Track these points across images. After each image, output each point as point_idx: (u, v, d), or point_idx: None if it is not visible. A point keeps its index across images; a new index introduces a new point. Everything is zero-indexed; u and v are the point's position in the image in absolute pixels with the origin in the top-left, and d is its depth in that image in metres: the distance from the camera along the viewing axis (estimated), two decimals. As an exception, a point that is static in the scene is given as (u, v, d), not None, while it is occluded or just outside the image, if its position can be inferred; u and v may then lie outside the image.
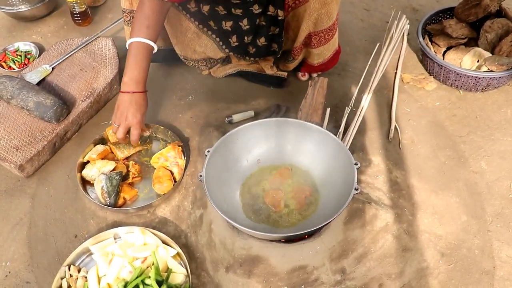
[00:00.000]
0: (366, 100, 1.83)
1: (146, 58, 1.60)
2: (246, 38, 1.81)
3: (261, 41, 1.81)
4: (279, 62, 1.97)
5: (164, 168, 1.68)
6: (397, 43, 2.03)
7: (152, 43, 1.58)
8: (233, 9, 1.70)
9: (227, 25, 1.77)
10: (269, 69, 1.95)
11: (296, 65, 1.95)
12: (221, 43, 1.87)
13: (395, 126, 1.83)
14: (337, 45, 1.91)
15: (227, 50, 1.90)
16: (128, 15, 1.80)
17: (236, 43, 1.84)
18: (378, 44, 2.00)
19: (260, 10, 1.70)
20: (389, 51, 1.97)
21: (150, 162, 1.73)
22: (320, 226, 1.38)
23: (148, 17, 1.56)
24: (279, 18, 1.70)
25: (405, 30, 2.10)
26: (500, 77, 1.86)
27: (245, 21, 1.74)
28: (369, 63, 1.91)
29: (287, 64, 1.94)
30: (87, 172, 1.67)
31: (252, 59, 1.94)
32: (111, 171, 1.65)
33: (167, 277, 1.37)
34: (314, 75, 2.02)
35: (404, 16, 2.05)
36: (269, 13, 1.71)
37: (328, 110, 1.79)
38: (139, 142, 1.69)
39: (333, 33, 1.80)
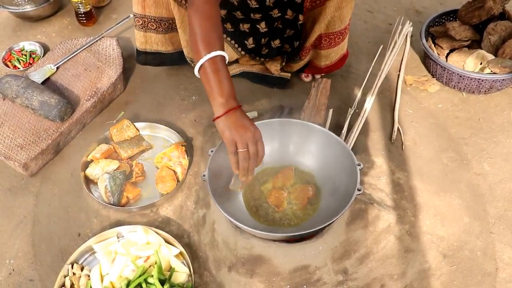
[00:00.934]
0: (370, 102, 1.84)
1: (227, 70, 1.33)
2: (263, 40, 1.82)
3: (276, 43, 1.83)
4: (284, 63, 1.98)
5: (167, 167, 1.68)
6: (400, 45, 2.03)
7: (225, 54, 1.32)
8: (252, 14, 1.71)
9: (245, 27, 1.77)
10: (274, 69, 1.95)
11: (300, 66, 1.95)
12: (236, 45, 1.87)
13: (398, 128, 1.83)
14: (345, 50, 1.92)
15: (243, 52, 1.89)
16: (140, 19, 1.80)
17: (253, 45, 1.84)
18: (381, 47, 2.01)
19: (280, 14, 1.72)
20: (392, 55, 1.98)
21: (154, 161, 1.74)
22: (323, 226, 1.38)
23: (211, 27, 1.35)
24: (299, 22, 1.72)
25: (408, 32, 2.11)
26: (503, 80, 1.86)
27: (263, 24, 1.75)
28: (372, 65, 1.92)
29: (291, 65, 1.95)
30: (91, 171, 1.68)
31: (262, 59, 1.94)
32: (114, 170, 1.66)
33: (170, 276, 1.38)
34: (317, 76, 2.03)
35: (408, 21, 2.06)
36: (287, 16, 1.73)
37: (331, 111, 1.80)
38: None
39: (343, 37, 1.81)
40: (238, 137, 1.27)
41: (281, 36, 1.80)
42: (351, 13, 1.74)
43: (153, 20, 1.79)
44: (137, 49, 1.92)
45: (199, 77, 1.33)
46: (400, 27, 2.04)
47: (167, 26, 1.83)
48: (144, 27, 1.82)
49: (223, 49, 1.31)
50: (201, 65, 1.29)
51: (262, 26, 1.76)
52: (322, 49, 1.83)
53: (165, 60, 1.97)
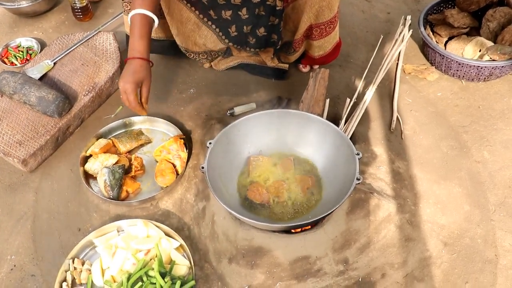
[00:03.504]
0: (370, 92, 1.83)
1: (147, 29, 1.57)
2: (245, 28, 1.81)
3: (261, 31, 1.81)
4: (280, 54, 1.97)
5: (166, 161, 1.68)
6: (400, 35, 2.03)
7: (151, 14, 1.56)
8: (232, 0, 1.71)
9: (227, 14, 1.77)
10: (270, 61, 1.94)
11: (297, 57, 1.95)
12: (220, 33, 1.87)
13: (397, 117, 1.83)
14: (338, 38, 1.91)
15: (226, 41, 1.90)
16: (128, 4, 1.80)
17: (236, 33, 1.84)
18: (381, 37, 2.00)
19: (272, 3, 1.70)
20: (395, 49, 1.97)
21: (153, 155, 1.73)
22: (323, 216, 1.38)
23: None
24: (278, 8, 1.70)
25: (408, 21, 2.10)
26: (502, 67, 1.85)
27: (244, 10, 1.74)
28: (373, 56, 1.91)
29: (288, 56, 1.94)
30: (90, 166, 1.68)
31: (252, 50, 1.93)
32: (113, 164, 1.66)
33: (171, 269, 1.38)
34: (315, 66, 2.02)
35: (409, 16, 2.05)
36: (268, 3, 1.71)
37: (328, 101, 1.79)
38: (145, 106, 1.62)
39: (334, 26, 1.80)
40: (121, 84, 1.55)
41: (265, 24, 1.79)
42: (338, 0, 1.72)
43: None
44: (126, 35, 1.91)
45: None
46: (401, 26, 2.04)
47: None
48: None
49: (147, 9, 1.55)
50: (130, 17, 1.57)
51: (244, 13, 1.76)
52: (314, 40, 1.82)
53: (156, 48, 1.95)
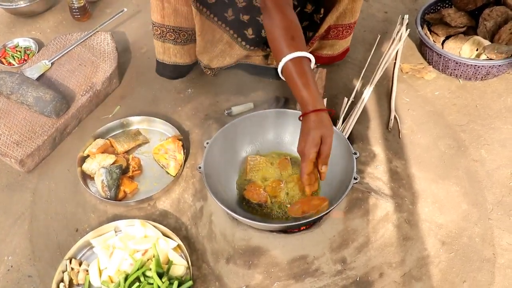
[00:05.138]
0: (368, 92, 1.83)
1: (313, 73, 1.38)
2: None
3: None
4: None
5: (164, 159, 1.69)
6: (398, 35, 2.03)
7: (309, 55, 1.34)
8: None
9: (264, 33, 1.74)
10: (271, 60, 1.93)
11: None
12: (235, 35, 1.77)
13: (395, 116, 1.83)
14: (349, 44, 1.92)
15: (243, 43, 1.80)
16: (158, 29, 1.75)
17: (253, 36, 1.79)
18: (379, 36, 2.00)
19: (310, 10, 1.73)
20: (392, 49, 1.97)
21: (152, 152, 1.74)
22: (320, 215, 1.38)
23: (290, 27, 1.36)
24: (320, 15, 1.72)
25: (405, 21, 2.10)
26: (499, 65, 1.85)
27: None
28: (370, 55, 1.91)
29: None
30: (87, 166, 1.68)
31: (269, 49, 1.88)
32: (111, 164, 1.66)
33: (168, 269, 1.38)
34: (313, 66, 2.01)
35: (407, 16, 2.05)
36: (306, 10, 1.73)
37: (325, 100, 1.79)
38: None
39: (350, 31, 1.82)
40: (327, 132, 1.25)
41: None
42: (360, 7, 1.73)
43: (171, 31, 1.74)
44: (157, 60, 1.89)
45: (282, 77, 1.33)
46: (399, 26, 2.04)
47: (186, 37, 1.78)
48: (162, 37, 1.77)
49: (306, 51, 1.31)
50: (285, 64, 1.29)
51: None
52: (329, 39, 1.83)
53: (182, 73, 1.96)
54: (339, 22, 1.76)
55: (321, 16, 1.72)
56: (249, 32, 1.73)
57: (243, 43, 1.76)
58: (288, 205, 1.52)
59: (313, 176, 1.30)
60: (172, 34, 1.75)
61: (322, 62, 1.97)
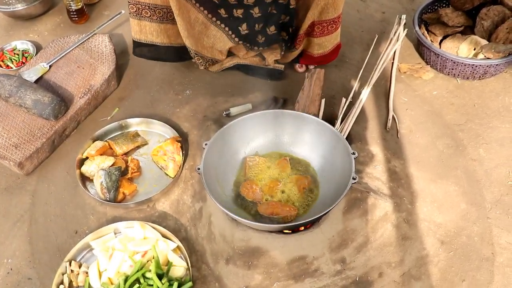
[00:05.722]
0: (366, 92, 1.83)
1: None
2: (257, 26, 1.81)
3: (271, 29, 1.82)
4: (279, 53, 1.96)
5: (163, 160, 1.69)
6: (395, 34, 2.03)
7: None
8: (244, 0, 1.71)
9: (238, 12, 1.77)
10: (271, 60, 1.93)
11: (295, 56, 1.95)
12: (230, 32, 1.85)
13: (393, 116, 1.83)
14: (339, 40, 1.92)
15: (236, 39, 1.87)
16: (134, 6, 1.77)
17: (246, 31, 1.83)
18: (376, 36, 2.00)
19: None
20: (390, 49, 1.97)
21: (150, 154, 1.74)
22: (319, 215, 1.38)
23: None
24: (291, 7, 1.71)
25: (402, 21, 2.10)
26: (497, 65, 1.86)
27: (256, 9, 1.75)
28: (368, 55, 1.92)
29: (286, 55, 1.94)
30: (86, 168, 1.68)
31: (261, 48, 1.91)
32: (110, 166, 1.66)
33: (168, 271, 1.38)
34: (311, 67, 2.02)
35: (404, 16, 2.05)
36: (280, 1, 1.72)
37: (323, 101, 1.79)
38: None
39: (336, 26, 1.81)
40: None
41: (276, 22, 1.79)
42: (343, 1, 1.73)
43: (147, 7, 1.77)
44: (133, 40, 1.91)
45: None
46: (396, 26, 2.04)
47: (162, 14, 1.80)
48: (138, 14, 1.79)
49: None
50: None
51: (256, 11, 1.75)
52: (315, 37, 1.83)
53: (161, 54, 1.95)
54: (322, 18, 1.76)
55: (292, 7, 1.71)
56: (222, 12, 1.77)
57: (218, 22, 1.81)
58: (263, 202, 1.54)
59: None
60: (148, 11, 1.77)
61: (317, 62, 1.97)
